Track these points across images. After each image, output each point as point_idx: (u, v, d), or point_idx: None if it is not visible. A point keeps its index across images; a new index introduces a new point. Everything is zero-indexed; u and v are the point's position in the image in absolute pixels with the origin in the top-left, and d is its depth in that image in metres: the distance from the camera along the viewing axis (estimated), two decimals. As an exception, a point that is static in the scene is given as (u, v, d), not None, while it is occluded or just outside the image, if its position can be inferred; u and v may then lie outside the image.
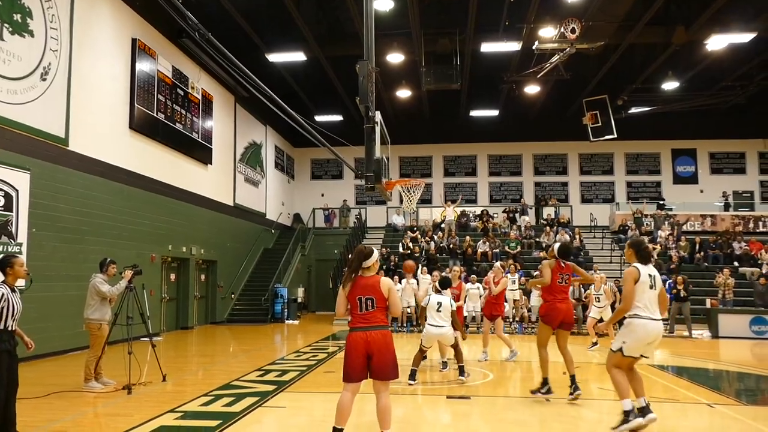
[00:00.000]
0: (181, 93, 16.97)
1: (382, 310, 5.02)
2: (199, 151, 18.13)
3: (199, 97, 18.22)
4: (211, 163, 18.92)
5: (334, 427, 4.94)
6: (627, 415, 5.54)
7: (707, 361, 11.79)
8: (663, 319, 5.82)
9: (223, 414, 6.37)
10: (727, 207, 24.43)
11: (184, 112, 17.05)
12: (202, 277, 18.89)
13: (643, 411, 5.55)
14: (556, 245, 7.75)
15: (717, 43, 18.06)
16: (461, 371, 8.66)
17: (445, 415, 6.76)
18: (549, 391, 7.39)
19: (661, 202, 24.34)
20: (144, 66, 14.93)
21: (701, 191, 25.67)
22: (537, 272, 8.04)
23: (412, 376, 8.34)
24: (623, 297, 5.69)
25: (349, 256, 20.31)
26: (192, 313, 17.63)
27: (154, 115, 15.42)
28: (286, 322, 19.68)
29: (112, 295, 7.93)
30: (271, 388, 7.89)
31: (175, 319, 17.02)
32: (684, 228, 22.77)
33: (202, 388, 7.79)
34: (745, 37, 17.70)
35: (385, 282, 5.07)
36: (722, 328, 15.89)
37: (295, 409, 6.85)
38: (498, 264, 12.42)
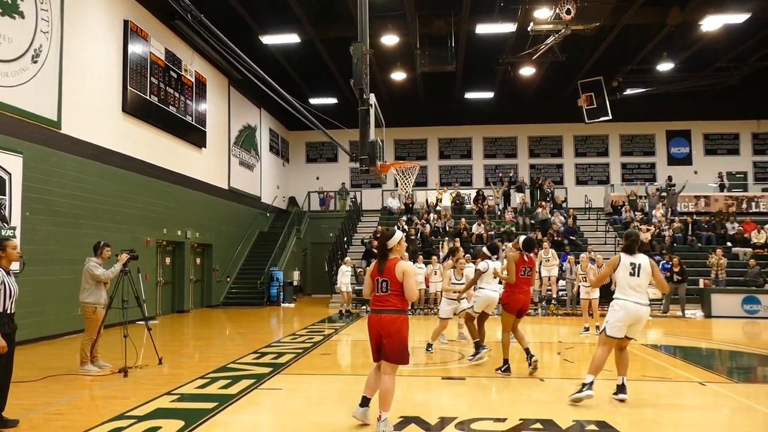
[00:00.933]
0: (175, 75, 16.82)
1: (397, 294, 5.05)
2: (193, 134, 18.03)
3: (193, 79, 18.07)
4: (205, 147, 18.83)
5: (363, 396, 5.30)
6: (583, 387, 6.15)
7: (700, 340, 11.92)
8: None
9: (219, 396, 6.42)
10: (722, 188, 24.53)
11: (177, 94, 16.92)
12: (198, 260, 18.90)
13: (620, 389, 6.35)
14: (522, 238, 8.08)
15: (711, 23, 18.00)
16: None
17: (441, 396, 6.82)
18: (508, 371, 7.77)
19: (669, 181, 24.44)
20: (136, 48, 14.78)
21: (695, 172, 25.72)
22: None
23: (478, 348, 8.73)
24: (597, 276, 6.62)
25: (344, 239, 20.29)
26: (187, 297, 17.67)
27: (147, 97, 15.30)
28: (282, 305, 19.75)
29: (107, 279, 7.93)
30: (267, 370, 7.95)
31: (170, 302, 17.06)
32: (678, 209, 22.90)
33: (199, 371, 7.84)
34: (740, 18, 17.63)
35: (401, 266, 5.09)
36: (715, 307, 16.08)
37: (292, 391, 6.91)
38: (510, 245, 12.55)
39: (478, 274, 8.74)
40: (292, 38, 19.23)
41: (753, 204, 23.35)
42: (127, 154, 14.40)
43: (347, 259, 17.14)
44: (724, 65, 21.88)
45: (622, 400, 6.25)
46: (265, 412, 6.01)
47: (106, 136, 13.59)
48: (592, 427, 5.32)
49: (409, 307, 5.36)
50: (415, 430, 5.17)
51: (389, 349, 5.01)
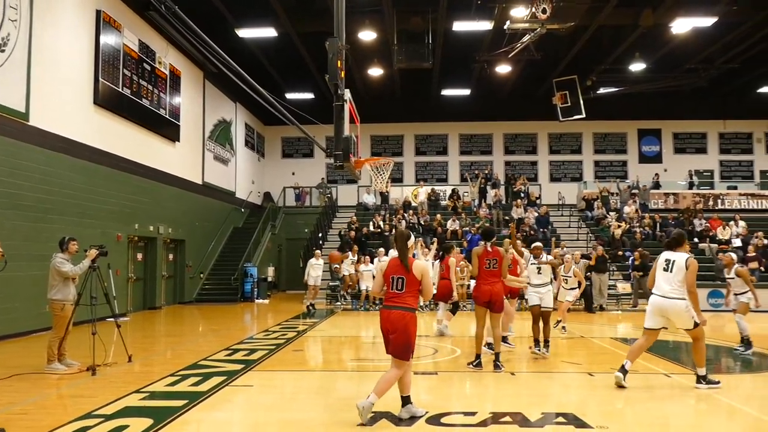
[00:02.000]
0: (148, 68, 16.58)
1: (411, 292, 5.29)
2: (167, 127, 17.79)
3: (167, 72, 17.82)
4: (178, 141, 18.60)
5: (401, 396, 5.39)
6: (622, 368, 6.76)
7: (666, 333, 12.15)
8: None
9: (189, 393, 6.36)
10: (691, 186, 25.09)
11: (150, 87, 16.68)
12: (170, 256, 18.67)
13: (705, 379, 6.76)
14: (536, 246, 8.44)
15: (681, 26, 18.36)
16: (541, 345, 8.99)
17: (412, 391, 6.84)
18: (479, 365, 7.83)
19: (655, 180, 24.95)
20: (109, 39, 14.52)
21: (665, 170, 26.19)
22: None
23: (544, 344, 8.84)
24: (649, 276, 7.06)
25: (320, 234, 20.21)
26: (160, 293, 17.46)
27: (120, 90, 15.05)
28: (256, 301, 19.64)
29: (75, 275, 7.79)
30: (239, 367, 7.90)
31: (142, 299, 16.84)
32: (648, 206, 23.38)
33: (169, 368, 7.76)
34: (708, 21, 18.01)
35: (419, 265, 5.36)
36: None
37: (264, 388, 6.88)
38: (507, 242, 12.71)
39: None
40: (269, 32, 19.07)
41: (719, 201, 23.94)
42: (98, 148, 14.16)
43: (317, 252, 16.97)
44: (693, 67, 22.33)
45: (698, 387, 6.68)
46: (236, 409, 5.98)
47: (77, 129, 13.34)
48: (561, 419, 5.41)
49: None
50: (386, 425, 5.20)
51: (394, 344, 5.27)
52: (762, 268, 17.94)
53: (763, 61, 21.96)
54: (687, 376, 7.59)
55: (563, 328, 12.22)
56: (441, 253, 12.16)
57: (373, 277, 16.46)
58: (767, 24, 18.43)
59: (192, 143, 19.86)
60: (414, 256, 5.84)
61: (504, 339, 9.23)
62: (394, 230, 20.71)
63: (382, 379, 5.33)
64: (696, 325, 6.64)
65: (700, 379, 6.76)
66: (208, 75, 20.89)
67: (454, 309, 11.61)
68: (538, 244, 9.41)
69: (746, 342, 9.51)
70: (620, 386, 6.63)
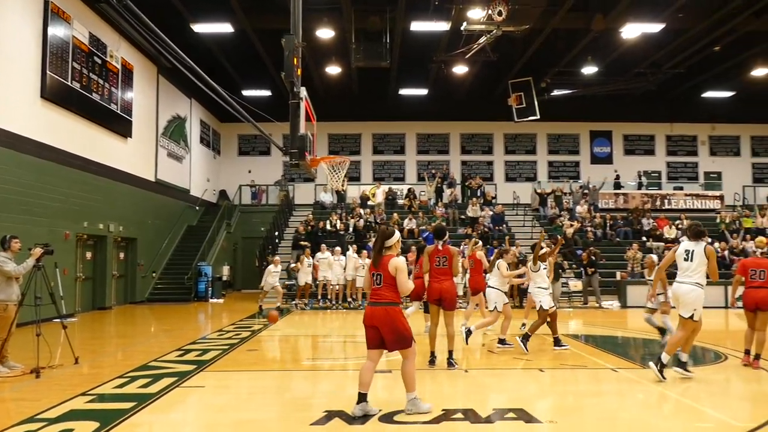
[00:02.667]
0: (99, 61, 16.12)
1: (389, 287, 5.45)
2: (118, 123, 17.33)
3: (119, 66, 17.36)
4: (131, 137, 18.14)
5: (359, 392, 5.42)
6: (668, 364, 7.10)
7: (615, 329, 12.57)
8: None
9: (138, 396, 6.23)
10: (640, 186, 25.91)
11: (101, 81, 16.22)
12: (121, 255, 18.21)
13: (682, 365, 7.19)
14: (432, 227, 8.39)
15: (631, 31, 18.94)
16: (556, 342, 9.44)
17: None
18: (433, 363, 7.91)
19: (617, 181, 25.82)
20: (57, 30, 14.04)
21: (615, 171, 26.97)
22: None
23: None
24: (662, 262, 7.80)
25: (276, 233, 19.99)
26: (110, 293, 17.00)
27: (69, 83, 14.58)
28: (211, 301, 19.34)
29: (18, 274, 7.51)
30: (190, 367, 7.77)
31: (91, 299, 16.36)
32: (599, 205, 24.07)
33: (118, 370, 7.58)
34: (656, 27, 18.66)
35: (393, 262, 5.49)
36: (630, 298, 17.01)
37: (216, 388, 6.79)
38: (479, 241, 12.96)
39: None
40: (225, 27, 18.77)
41: (666, 201, 24.82)
42: (46, 143, 13.69)
43: (276, 258, 16.75)
44: (642, 71, 23.08)
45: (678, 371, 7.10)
46: (187, 411, 5.90)
47: (22, 123, 12.86)
48: (511, 414, 5.52)
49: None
50: (338, 424, 5.21)
51: (389, 339, 5.40)
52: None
53: (707, 67, 22.87)
54: (633, 370, 7.87)
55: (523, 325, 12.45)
56: (417, 253, 12.18)
57: (329, 265, 16.72)
58: (711, 32, 19.19)
59: (145, 139, 19.40)
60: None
61: (502, 341, 9.52)
62: (352, 229, 20.75)
63: (403, 377, 5.53)
64: (691, 317, 6.99)
65: (681, 364, 7.15)
66: (162, 70, 20.43)
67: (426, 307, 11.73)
68: (546, 249, 9.70)
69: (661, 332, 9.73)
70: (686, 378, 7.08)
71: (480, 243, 13.14)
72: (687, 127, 27.92)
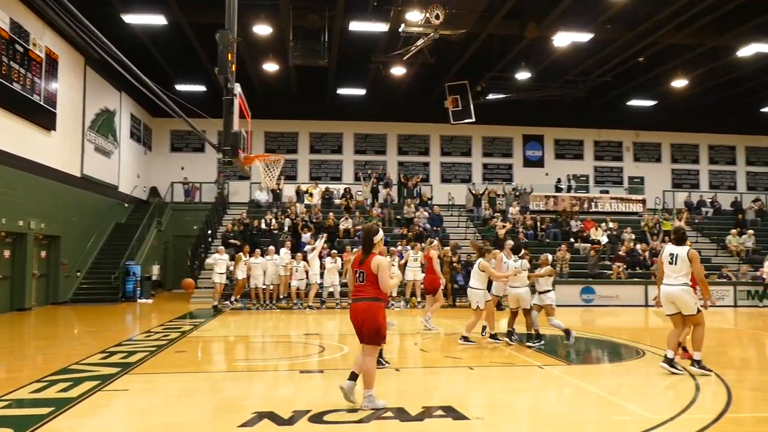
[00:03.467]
0: (21, 50, 15.30)
1: (372, 284, 5.65)
2: (41, 115, 16.49)
3: (43, 55, 16.52)
4: (54, 129, 17.30)
5: (351, 371, 5.77)
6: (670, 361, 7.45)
7: (543, 327, 12.97)
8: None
9: (57, 400, 5.95)
10: (569, 189, 26.91)
11: (23, 71, 15.40)
12: (43, 253, 17.34)
13: (694, 363, 7.44)
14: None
15: (562, 40, 19.67)
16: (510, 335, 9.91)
17: (298, 390, 6.85)
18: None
19: (578, 183, 26.83)
20: (-29, 16, 13.23)
21: (546, 174, 27.88)
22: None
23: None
24: (658, 268, 7.84)
25: (209, 231, 19.40)
26: (30, 293, 16.12)
27: (-15, 72, 13.77)
28: (139, 301, 18.70)
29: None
30: (114, 370, 7.49)
31: (9, 299, 15.48)
32: (530, 207, 24.85)
33: (36, 374, 7.22)
34: (585, 37, 19.44)
35: (376, 260, 5.68)
36: (558, 297, 17.54)
37: (142, 391, 6.59)
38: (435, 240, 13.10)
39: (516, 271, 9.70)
40: (158, 19, 18.18)
41: (593, 204, 25.90)
42: (-42, 134, 12.87)
43: (220, 248, 16.26)
44: (572, 78, 23.99)
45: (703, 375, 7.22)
46: (109, 415, 5.69)
47: (-69, 113, 12.04)
48: (440, 412, 5.63)
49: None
50: (268, 425, 5.15)
51: (364, 332, 5.64)
52: (628, 268, 19.69)
53: (632, 77, 24.02)
54: (559, 367, 8.18)
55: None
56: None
57: (264, 272, 16.40)
58: (636, 43, 20.17)
59: (70, 133, 18.54)
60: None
61: (494, 336, 10.09)
62: (289, 228, 20.54)
63: (362, 374, 5.65)
64: (698, 311, 7.34)
65: (695, 363, 7.39)
66: (90, 61, 19.58)
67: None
68: (547, 255, 10.50)
69: (536, 335, 9.82)
70: (674, 372, 7.32)
71: (435, 242, 13.44)
72: (613, 134, 29.20)
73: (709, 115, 28.30)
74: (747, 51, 20.29)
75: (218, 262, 15.70)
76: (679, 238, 7.54)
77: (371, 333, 5.63)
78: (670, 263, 7.42)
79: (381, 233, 5.94)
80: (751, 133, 29.40)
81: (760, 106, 27.69)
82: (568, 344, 9.77)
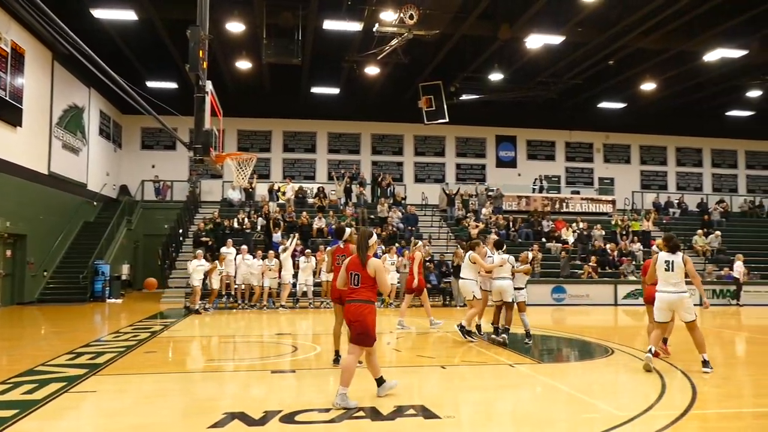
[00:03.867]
0: (-17, 43, 14.91)
1: (366, 287, 5.84)
2: (6, 110, 16.11)
3: (8, 49, 16.12)
4: (21, 126, 16.91)
5: (375, 378, 6.10)
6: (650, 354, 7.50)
7: (515, 326, 13.11)
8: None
9: (21, 403, 5.81)
10: (541, 189, 27.24)
11: (-14, 65, 15.01)
12: (8, 252, 16.95)
13: (703, 364, 7.52)
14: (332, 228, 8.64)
15: (534, 42, 19.92)
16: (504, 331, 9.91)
17: (269, 390, 6.81)
18: (337, 362, 7.87)
19: (550, 184, 27.23)
20: (-69, 8, 12.84)
21: (519, 174, 28.18)
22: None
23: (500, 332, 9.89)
24: (648, 274, 8.02)
25: (180, 230, 19.19)
26: (-6, 293, 15.78)
27: (-54, 66, 13.37)
28: (108, 301, 18.40)
29: None
30: (82, 371, 7.35)
31: (-28, 299, 15.11)
32: (503, 207, 25.12)
33: (0, 376, 7.04)
34: (557, 39, 19.73)
35: (371, 263, 5.85)
36: (529, 297, 17.73)
37: (109, 393, 6.47)
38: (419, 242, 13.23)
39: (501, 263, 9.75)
40: (129, 15, 17.90)
41: (564, 204, 26.27)
42: None
43: (199, 252, 16.00)
44: (545, 80, 24.30)
45: (706, 372, 7.40)
46: (75, 417, 5.58)
47: None
48: (411, 411, 5.65)
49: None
50: (238, 426, 5.11)
51: (354, 332, 5.85)
52: (598, 267, 20.00)
53: (603, 79, 24.43)
54: (529, 365, 8.27)
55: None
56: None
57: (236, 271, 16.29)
58: (606, 46, 20.53)
59: (37, 129, 18.12)
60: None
61: (469, 333, 10.19)
62: (263, 227, 20.39)
63: (342, 370, 5.78)
64: (695, 319, 7.52)
65: (705, 363, 7.53)
66: (58, 56, 19.16)
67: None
68: (527, 254, 10.65)
69: (527, 334, 10.19)
70: (648, 370, 7.38)
71: (420, 243, 13.56)
72: (584, 135, 29.65)
73: (676, 117, 28.95)
74: (713, 56, 20.83)
75: (197, 269, 15.31)
76: (674, 246, 7.68)
77: (363, 334, 5.80)
78: (666, 270, 7.56)
79: (375, 236, 6.10)
80: (717, 136, 30.19)
81: (725, 110, 28.47)
82: (528, 343, 9.94)
